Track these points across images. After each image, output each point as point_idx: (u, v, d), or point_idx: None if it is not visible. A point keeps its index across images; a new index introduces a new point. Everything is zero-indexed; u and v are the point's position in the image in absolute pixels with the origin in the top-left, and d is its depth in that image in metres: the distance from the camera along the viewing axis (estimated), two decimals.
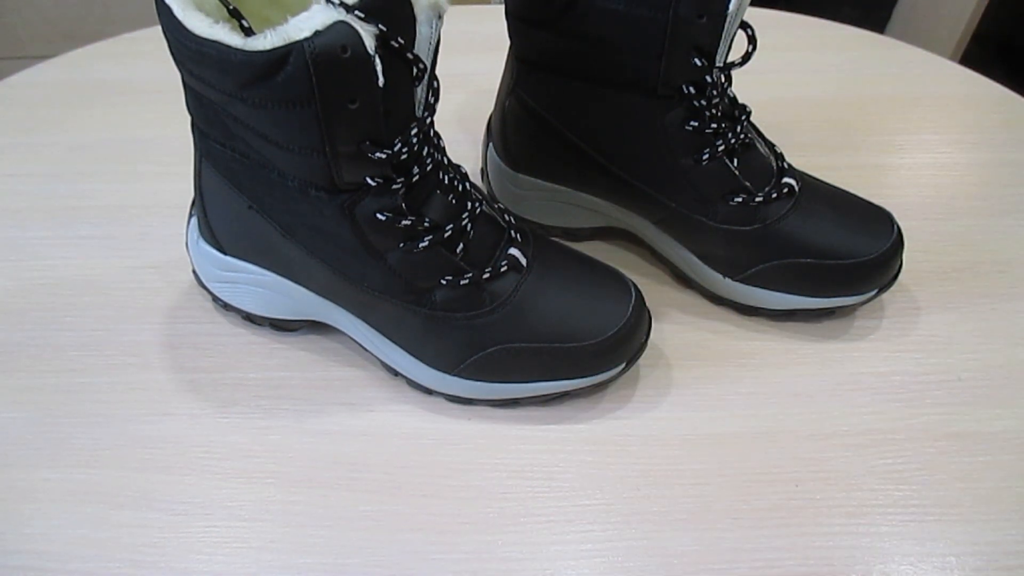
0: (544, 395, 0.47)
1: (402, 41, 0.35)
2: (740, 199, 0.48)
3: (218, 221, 0.47)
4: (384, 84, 0.35)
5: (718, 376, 0.50)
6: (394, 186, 0.40)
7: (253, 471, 0.44)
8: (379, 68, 0.35)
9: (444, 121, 0.69)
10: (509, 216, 0.47)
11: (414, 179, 0.41)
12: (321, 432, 0.46)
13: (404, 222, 0.41)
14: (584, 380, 0.46)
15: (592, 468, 0.45)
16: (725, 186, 0.49)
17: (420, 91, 0.39)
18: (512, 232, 0.46)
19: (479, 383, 0.46)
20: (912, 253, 0.51)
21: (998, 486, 0.44)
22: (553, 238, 0.50)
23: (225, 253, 0.48)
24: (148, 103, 0.70)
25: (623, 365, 0.46)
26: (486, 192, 0.60)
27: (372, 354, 0.48)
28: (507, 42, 0.52)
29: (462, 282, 0.43)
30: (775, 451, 0.45)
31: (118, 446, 0.45)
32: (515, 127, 0.54)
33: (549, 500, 0.43)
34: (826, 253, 0.48)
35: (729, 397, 0.48)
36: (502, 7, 0.50)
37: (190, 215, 0.50)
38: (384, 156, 0.38)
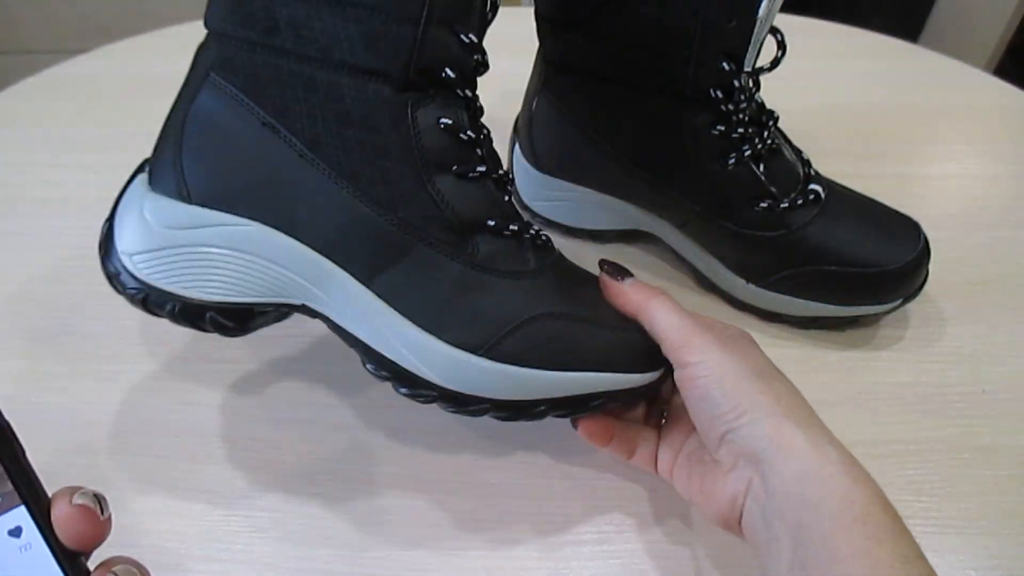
0: (578, 394, 0.39)
1: None
2: (765, 204, 0.48)
3: (199, 158, 0.39)
4: None
5: None
6: (462, 93, 0.38)
7: (274, 462, 0.45)
8: None
9: None
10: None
11: (476, 101, 0.39)
12: (342, 425, 0.47)
13: (464, 135, 0.38)
14: (625, 377, 0.39)
15: (611, 469, 0.45)
16: (750, 191, 0.48)
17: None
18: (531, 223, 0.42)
19: (510, 368, 0.38)
20: (938, 263, 0.50)
21: (1020, 500, 0.43)
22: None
23: (192, 201, 0.38)
24: None
25: (661, 372, 0.41)
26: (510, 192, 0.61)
27: (361, 341, 0.39)
28: (536, 43, 0.52)
29: (505, 232, 0.39)
30: None
31: (144, 434, 0.46)
32: (542, 128, 0.54)
33: (566, 500, 0.44)
34: (851, 261, 0.48)
35: None
36: (532, 9, 0.50)
37: (134, 175, 0.41)
38: (471, 41, 0.37)
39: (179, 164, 0.39)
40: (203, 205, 0.38)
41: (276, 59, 0.36)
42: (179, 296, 0.39)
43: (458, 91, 0.38)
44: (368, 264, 0.38)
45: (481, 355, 0.38)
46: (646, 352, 0.40)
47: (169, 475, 0.44)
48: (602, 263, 0.42)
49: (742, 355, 0.36)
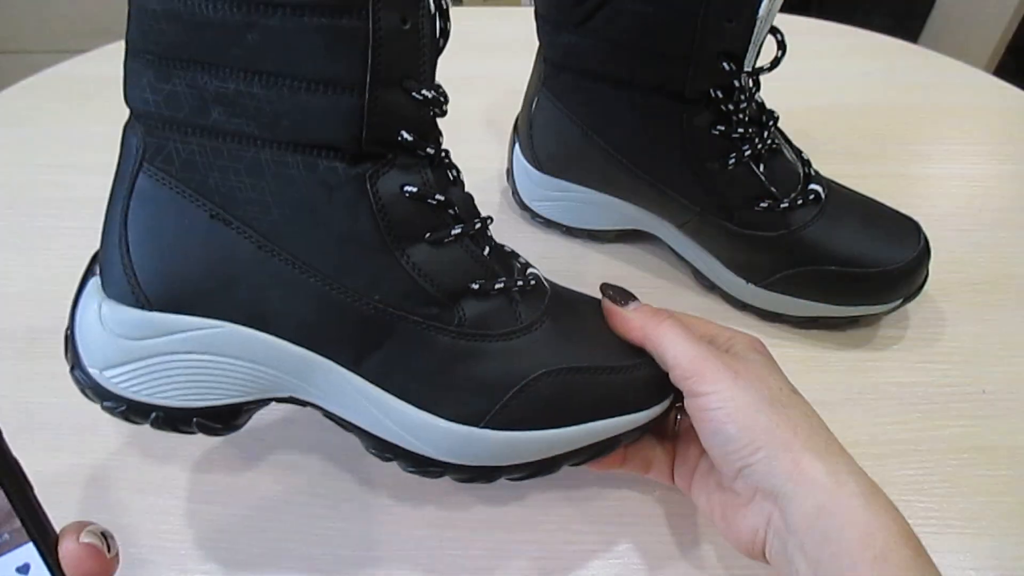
0: (593, 443, 0.38)
1: None
2: (765, 204, 0.48)
3: (150, 259, 0.34)
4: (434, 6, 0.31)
5: None
6: (423, 151, 0.34)
7: (274, 462, 0.45)
8: None
9: (470, 121, 0.70)
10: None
11: (442, 153, 0.35)
12: None
13: (432, 200, 0.34)
14: (648, 412, 0.39)
15: (611, 473, 0.45)
16: (750, 191, 0.48)
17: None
18: (517, 254, 0.41)
19: (518, 434, 0.37)
20: (939, 264, 0.50)
21: (1020, 500, 0.43)
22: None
23: (153, 308, 0.34)
24: None
25: (671, 398, 0.40)
26: (511, 192, 0.61)
27: (357, 426, 0.38)
28: (536, 43, 0.52)
29: (493, 291, 0.37)
30: None
31: (143, 434, 0.46)
32: (542, 128, 0.54)
33: (566, 502, 0.43)
34: (851, 261, 0.48)
35: None
36: (531, 9, 0.50)
37: (86, 276, 0.38)
38: (424, 97, 0.32)
39: (130, 268, 0.34)
40: (166, 311, 0.34)
41: (212, 141, 0.32)
42: (161, 406, 0.36)
43: (419, 151, 0.34)
44: (352, 350, 0.36)
45: (484, 427, 0.36)
46: (654, 384, 0.39)
47: (169, 475, 0.44)
48: (605, 288, 0.41)
49: (755, 382, 0.35)
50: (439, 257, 0.35)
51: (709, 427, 0.35)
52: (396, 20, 0.30)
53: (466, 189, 0.38)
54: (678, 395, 0.39)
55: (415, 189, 0.34)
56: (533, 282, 0.39)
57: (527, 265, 0.40)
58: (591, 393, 0.37)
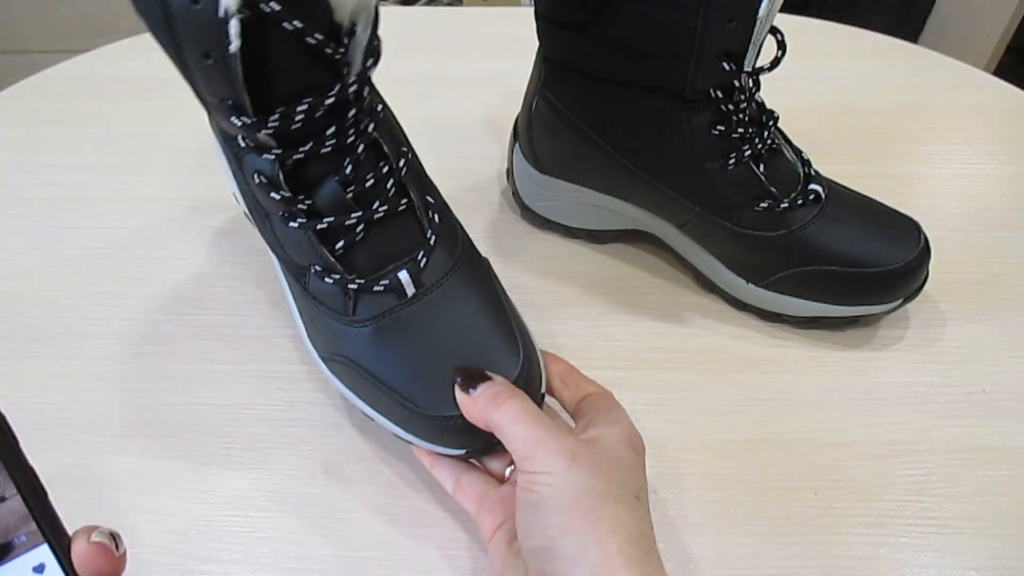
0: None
1: (276, 7, 0.31)
2: (765, 205, 0.48)
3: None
4: (247, 47, 0.32)
5: (739, 382, 0.49)
6: (265, 155, 0.37)
7: (274, 463, 0.45)
8: (234, 31, 0.31)
9: (470, 121, 0.70)
10: (442, 238, 0.42)
11: (297, 155, 0.37)
12: (342, 425, 0.47)
13: (277, 194, 0.38)
14: (430, 446, 0.40)
15: None
16: (750, 191, 0.48)
17: (355, 63, 0.36)
18: (420, 255, 0.41)
19: (341, 387, 0.43)
20: (939, 263, 0.50)
21: (1020, 500, 0.43)
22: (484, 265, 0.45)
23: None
24: (181, 98, 0.71)
25: (481, 446, 0.39)
26: (511, 192, 0.61)
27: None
28: (536, 43, 0.52)
29: (326, 279, 0.40)
30: (795, 458, 0.45)
31: (143, 434, 0.46)
32: (542, 128, 0.54)
33: None
34: (851, 261, 0.48)
35: (749, 403, 0.48)
36: (531, 9, 0.50)
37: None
38: (243, 123, 0.35)
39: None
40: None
41: None
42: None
43: (265, 153, 0.38)
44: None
45: (322, 360, 0.44)
46: (458, 432, 0.38)
47: (169, 475, 0.44)
48: (455, 372, 0.38)
49: (591, 470, 0.33)
50: (287, 233, 0.41)
51: (531, 497, 0.33)
52: (197, 54, 0.33)
53: (389, 182, 0.40)
54: (470, 455, 0.40)
55: (264, 180, 0.39)
56: (382, 288, 0.40)
57: (407, 265, 0.41)
58: (377, 399, 0.41)
